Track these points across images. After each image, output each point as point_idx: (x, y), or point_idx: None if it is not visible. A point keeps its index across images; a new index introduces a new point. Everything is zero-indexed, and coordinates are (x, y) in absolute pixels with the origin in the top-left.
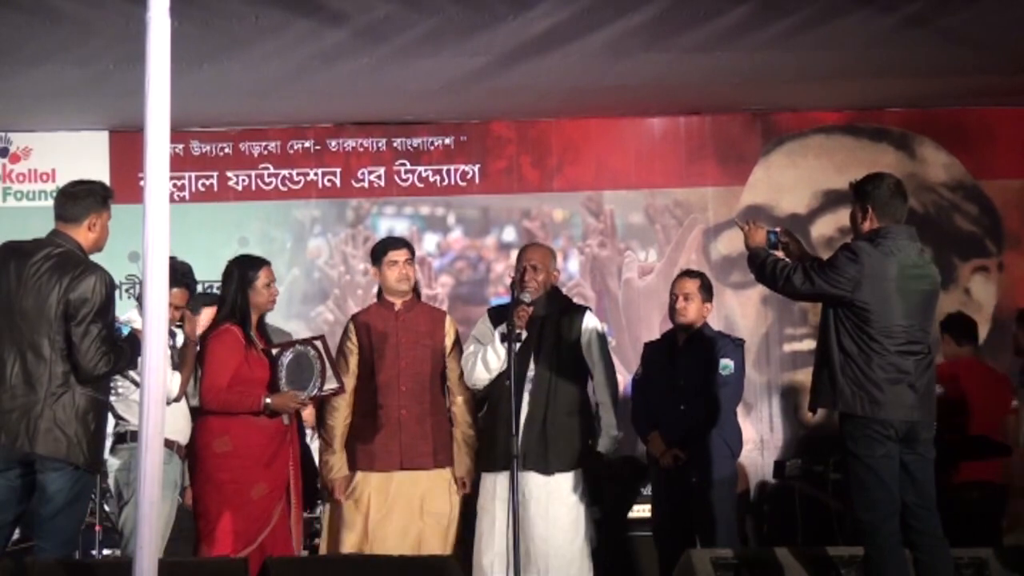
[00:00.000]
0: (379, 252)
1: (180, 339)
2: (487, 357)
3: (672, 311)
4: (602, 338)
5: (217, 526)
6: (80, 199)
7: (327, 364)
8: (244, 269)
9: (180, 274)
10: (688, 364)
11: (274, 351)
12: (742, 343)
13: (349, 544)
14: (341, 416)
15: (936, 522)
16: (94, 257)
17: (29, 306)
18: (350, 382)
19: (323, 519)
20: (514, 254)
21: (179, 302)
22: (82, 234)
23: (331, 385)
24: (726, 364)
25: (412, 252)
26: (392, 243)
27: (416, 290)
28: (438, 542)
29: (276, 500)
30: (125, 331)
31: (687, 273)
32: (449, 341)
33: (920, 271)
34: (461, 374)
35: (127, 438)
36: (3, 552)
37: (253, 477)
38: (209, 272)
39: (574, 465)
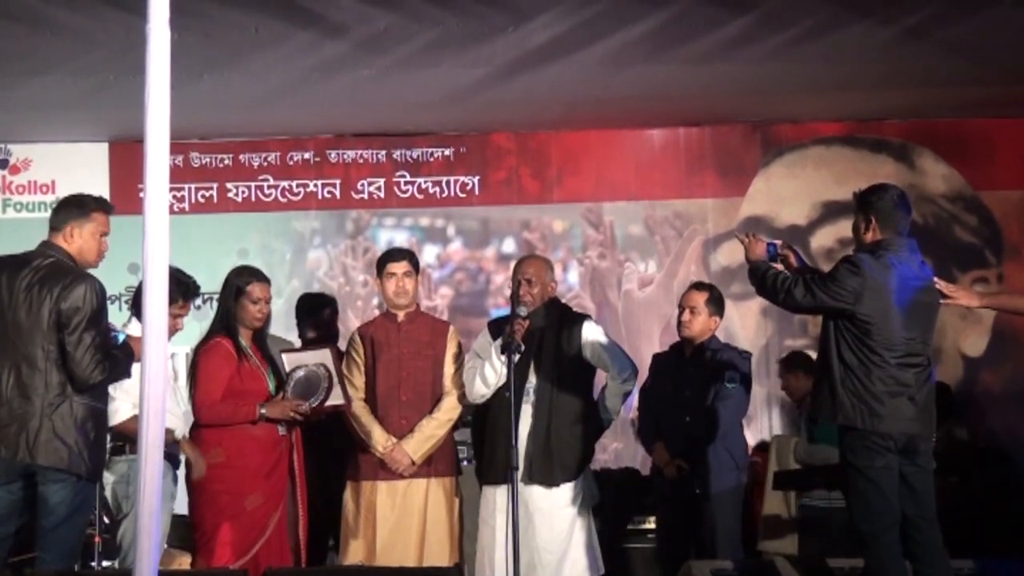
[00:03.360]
0: (380, 264)
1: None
2: (485, 372)
3: (678, 323)
4: (605, 341)
5: (212, 537)
6: (62, 208)
7: (334, 380)
8: (235, 281)
9: (177, 282)
10: (694, 376)
11: (286, 360)
12: (749, 356)
13: (358, 554)
14: (360, 404)
15: (936, 533)
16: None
17: (22, 318)
18: (357, 394)
19: (342, 527)
20: (514, 265)
21: (179, 311)
22: (64, 243)
23: (335, 401)
24: (732, 376)
25: (414, 264)
26: (392, 255)
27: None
28: (442, 551)
29: (271, 510)
30: (120, 338)
31: (696, 285)
32: (450, 351)
33: (921, 283)
34: (454, 375)
35: (125, 450)
36: (4, 564)
37: (247, 487)
38: (209, 284)
39: (577, 474)
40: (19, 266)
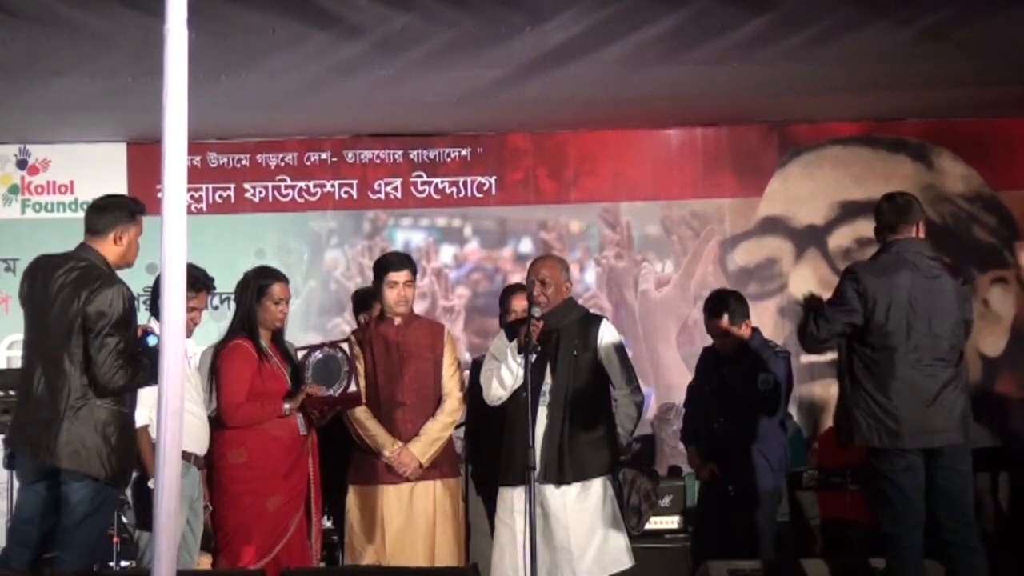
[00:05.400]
0: (380, 270)
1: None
2: (502, 374)
3: (714, 338)
4: (619, 348)
5: (234, 538)
6: (107, 211)
7: (355, 364)
8: (257, 281)
9: (192, 277)
10: (729, 377)
11: (300, 353)
12: (787, 355)
13: (368, 557)
14: (362, 409)
15: (969, 532)
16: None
17: (53, 320)
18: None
19: (346, 532)
20: (528, 266)
21: (197, 304)
22: (108, 247)
23: (353, 389)
24: (766, 379)
25: (414, 271)
26: (393, 264)
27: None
28: (450, 553)
29: (293, 511)
30: (152, 342)
31: (712, 312)
32: (448, 352)
33: (930, 284)
34: (454, 376)
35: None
36: (34, 564)
37: (269, 488)
38: (226, 284)
39: (595, 474)
40: (55, 267)
